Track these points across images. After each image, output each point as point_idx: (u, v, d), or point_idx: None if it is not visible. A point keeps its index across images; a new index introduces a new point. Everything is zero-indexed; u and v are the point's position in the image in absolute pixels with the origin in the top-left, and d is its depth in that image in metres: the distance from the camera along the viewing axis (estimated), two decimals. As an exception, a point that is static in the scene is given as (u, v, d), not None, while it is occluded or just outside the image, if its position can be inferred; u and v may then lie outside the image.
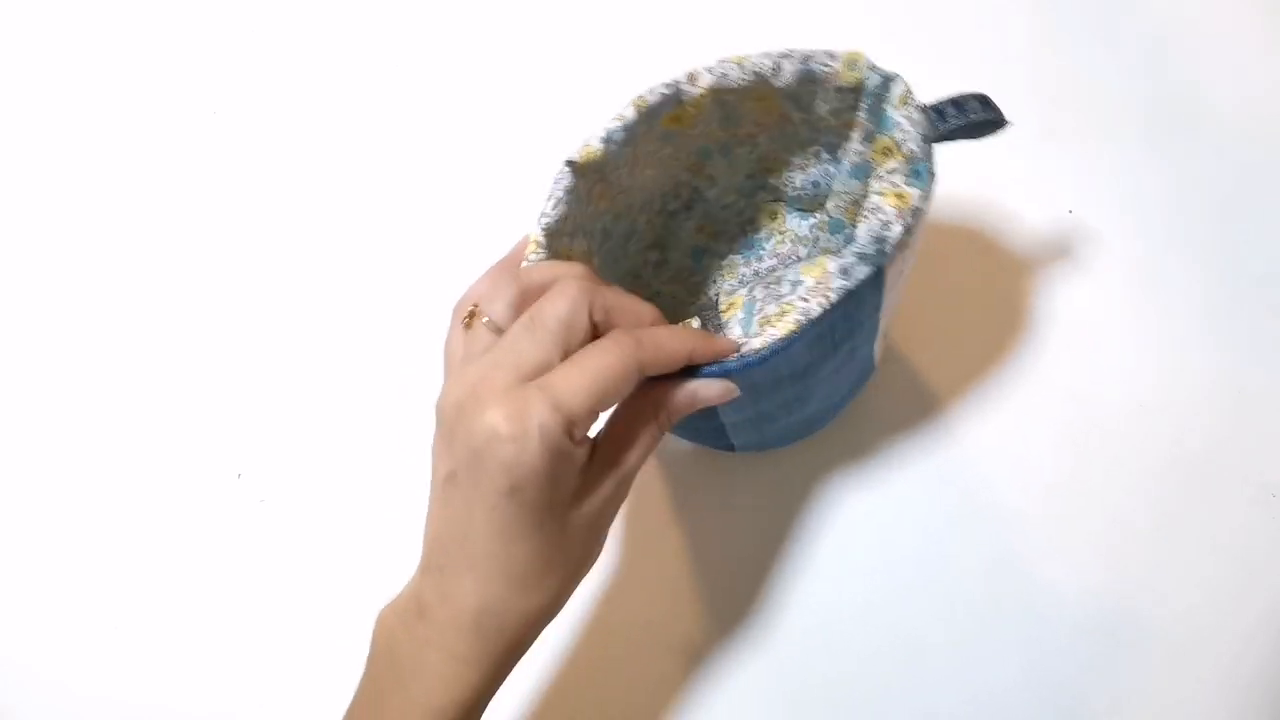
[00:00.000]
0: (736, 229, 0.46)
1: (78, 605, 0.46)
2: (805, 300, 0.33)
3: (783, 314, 0.34)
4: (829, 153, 0.40)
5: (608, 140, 0.36)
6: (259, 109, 0.53)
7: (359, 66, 0.54)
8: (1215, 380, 0.49)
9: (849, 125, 0.37)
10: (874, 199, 0.34)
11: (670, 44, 0.55)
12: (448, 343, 0.33)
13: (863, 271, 0.33)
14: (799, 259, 0.45)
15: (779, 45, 0.36)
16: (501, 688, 0.33)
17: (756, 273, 0.46)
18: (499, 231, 0.52)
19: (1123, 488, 0.47)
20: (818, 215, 0.42)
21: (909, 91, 0.35)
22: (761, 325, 0.34)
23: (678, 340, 0.32)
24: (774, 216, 0.46)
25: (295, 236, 0.51)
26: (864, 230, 0.33)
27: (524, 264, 0.35)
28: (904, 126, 0.34)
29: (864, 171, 0.37)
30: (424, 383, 0.49)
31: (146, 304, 0.50)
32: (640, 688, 0.43)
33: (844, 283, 0.33)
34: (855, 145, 0.37)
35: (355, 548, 0.47)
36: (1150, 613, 0.45)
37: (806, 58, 0.35)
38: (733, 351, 0.33)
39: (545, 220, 0.36)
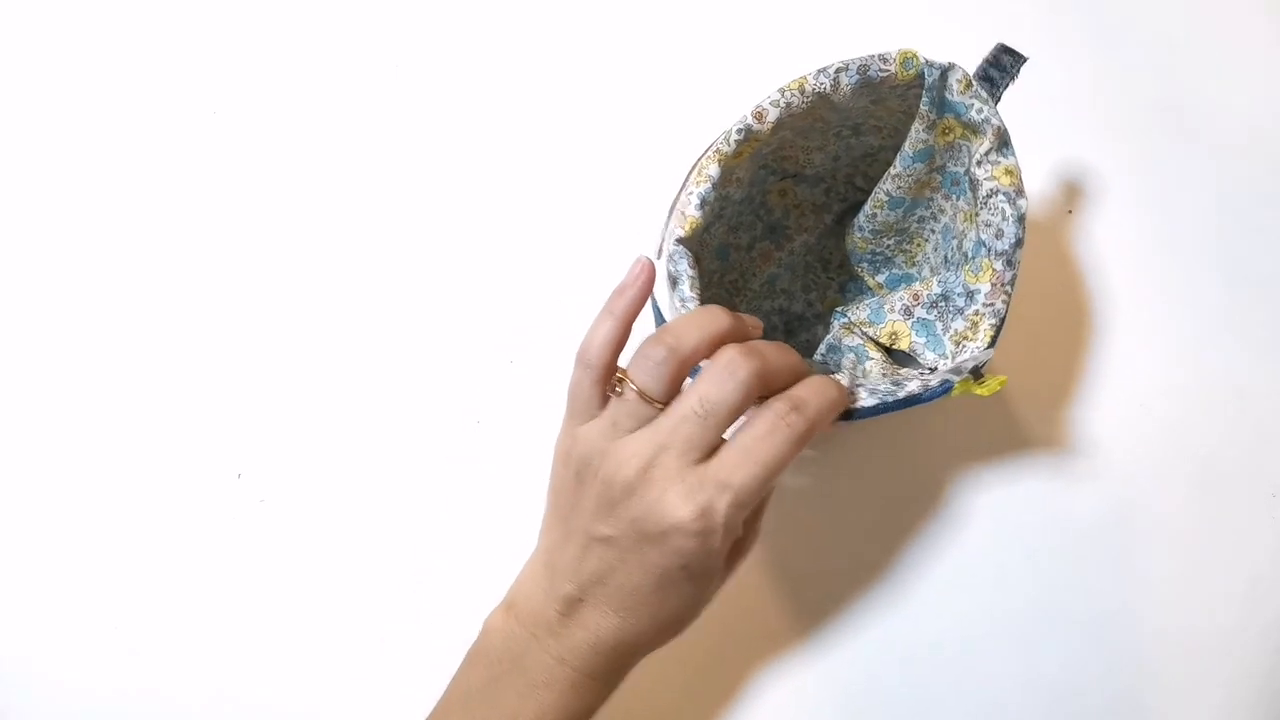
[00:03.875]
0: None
1: (78, 605, 0.46)
2: (991, 304, 0.36)
3: (975, 325, 0.36)
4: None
5: (702, 204, 0.37)
6: (259, 109, 0.53)
7: (360, 66, 0.54)
8: (1217, 381, 0.49)
9: (909, 115, 0.38)
10: (989, 184, 0.36)
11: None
12: (575, 391, 0.35)
13: (1019, 254, 0.36)
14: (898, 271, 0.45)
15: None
16: None
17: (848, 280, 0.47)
18: (499, 232, 0.52)
19: (1126, 489, 0.47)
20: (870, 206, 0.43)
21: (968, 75, 0.36)
22: (957, 342, 0.37)
23: (834, 398, 0.34)
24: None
25: (295, 236, 0.51)
26: (1001, 215, 0.35)
27: (671, 306, 0.37)
28: (978, 108, 0.36)
29: (926, 155, 0.39)
30: (425, 383, 0.49)
31: (146, 304, 0.50)
32: (705, 677, 0.43)
33: (1013, 272, 0.36)
34: (918, 134, 0.38)
35: (355, 548, 0.47)
36: (1152, 614, 0.45)
37: (862, 67, 0.36)
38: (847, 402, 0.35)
39: (682, 294, 0.36)
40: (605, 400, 0.35)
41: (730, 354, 0.33)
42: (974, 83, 0.36)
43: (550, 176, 0.53)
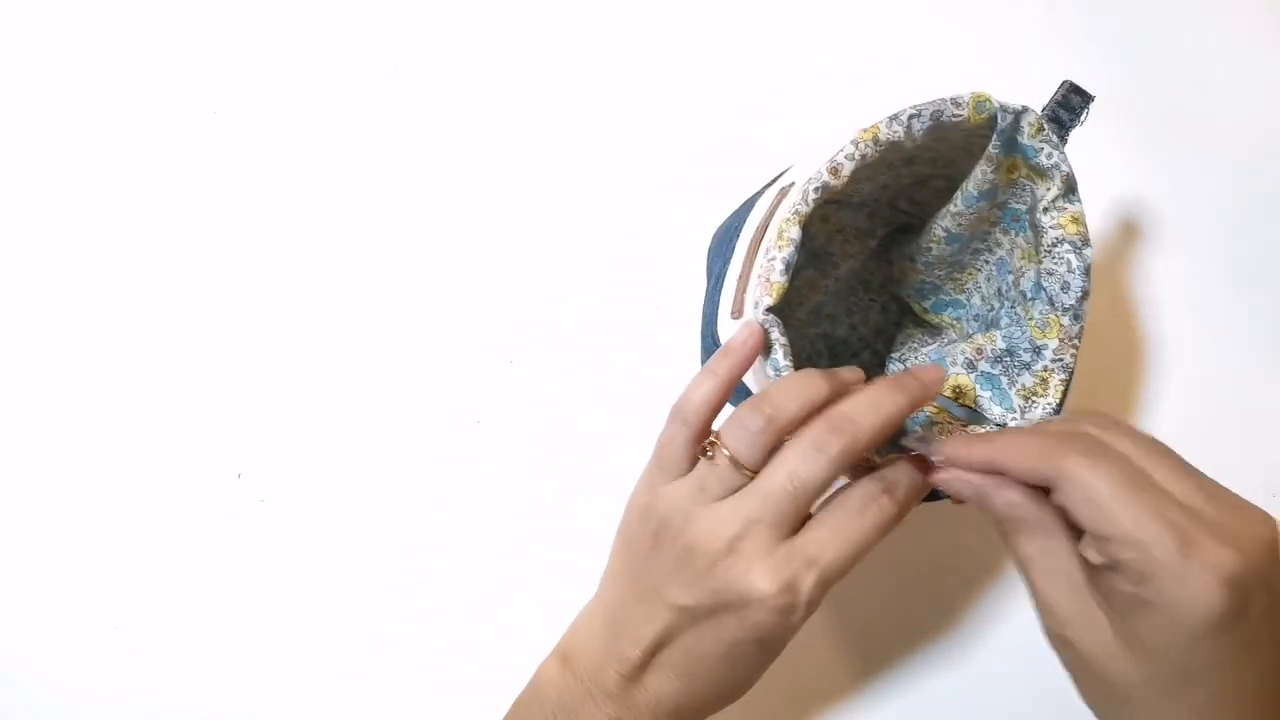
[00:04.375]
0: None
1: (78, 605, 0.46)
2: (1060, 359, 0.36)
3: (1045, 381, 0.36)
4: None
5: (787, 268, 0.36)
6: (259, 109, 0.53)
7: (360, 66, 0.54)
8: (1217, 380, 0.49)
9: (966, 149, 0.38)
10: (1054, 232, 0.36)
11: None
12: (666, 447, 0.34)
13: (1085, 307, 0.35)
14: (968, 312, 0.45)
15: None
16: None
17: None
18: (499, 232, 0.52)
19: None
20: (925, 240, 0.43)
21: (1039, 119, 0.36)
22: (1025, 397, 0.37)
23: (923, 482, 0.33)
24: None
25: (296, 237, 0.51)
26: (1066, 266, 0.35)
27: (766, 368, 0.35)
28: (1047, 152, 0.36)
29: (990, 194, 0.38)
30: (425, 383, 0.49)
31: (146, 304, 0.50)
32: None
33: (1080, 325, 0.36)
34: (985, 175, 0.37)
35: (355, 548, 0.47)
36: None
37: (936, 113, 0.35)
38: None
39: (776, 363, 0.35)
40: (695, 461, 0.34)
41: (820, 430, 0.32)
42: (1045, 126, 0.36)
43: (550, 176, 0.53)
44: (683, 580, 0.32)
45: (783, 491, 0.32)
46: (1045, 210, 0.36)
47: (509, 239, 0.52)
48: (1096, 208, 0.51)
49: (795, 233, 0.36)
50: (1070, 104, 0.36)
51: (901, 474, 0.33)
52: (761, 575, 0.31)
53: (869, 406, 0.32)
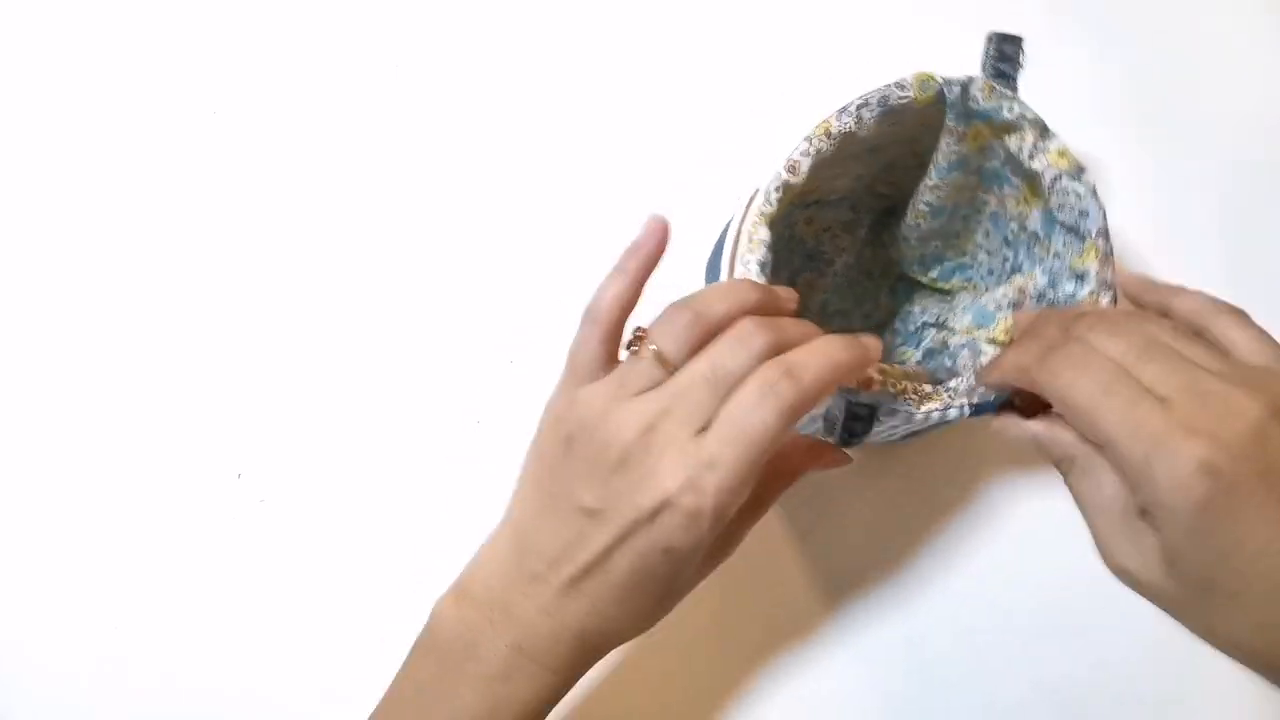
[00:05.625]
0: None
1: (77, 605, 0.46)
2: (1104, 279, 0.36)
3: (1096, 304, 0.36)
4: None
5: (763, 269, 0.36)
6: (259, 109, 0.53)
7: (360, 66, 0.54)
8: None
9: (926, 124, 0.38)
10: (1050, 172, 0.36)
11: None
12: (579, 350, 0.33)
13: (1108, 225, 0.36)
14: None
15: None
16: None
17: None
18: (499, 232, 0.52)
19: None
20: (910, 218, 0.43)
21: (987, 82, 0.36)
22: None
23: (840, 360, 0.31)
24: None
25: (295, 237, 0.51)
26: (1074, 195, 0.36)
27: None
28: (1008, 107, 0.36)
29: (960, 164, 0.39)
30: (425, 383, 0.49)
31: (146, 304, 0.50)
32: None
33: (1111, 244, 0.36)
34: (949, 147, 0.38)
35: (356, 548, 0.47)
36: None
37: (883, 98, 0.36)
38: (874, 357, 0.33)
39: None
40: (610, 361, 0.33)
41: (747, 324, 0.31)
42: (994, 86, 0.36)
43: (550, 176, 0.53)
44: (594, 479, 0.31)
45: (702, 379, 0.30)
46: (1031, 157, 0.37)
47: (509, 239, 0.52)
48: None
49: (764, 234, 0.36)
50: (1006, 54, 0.37)
51: (808, 354, 0.31)
52: (668, 471, 0.29)
53: (797, 323, 0.32)
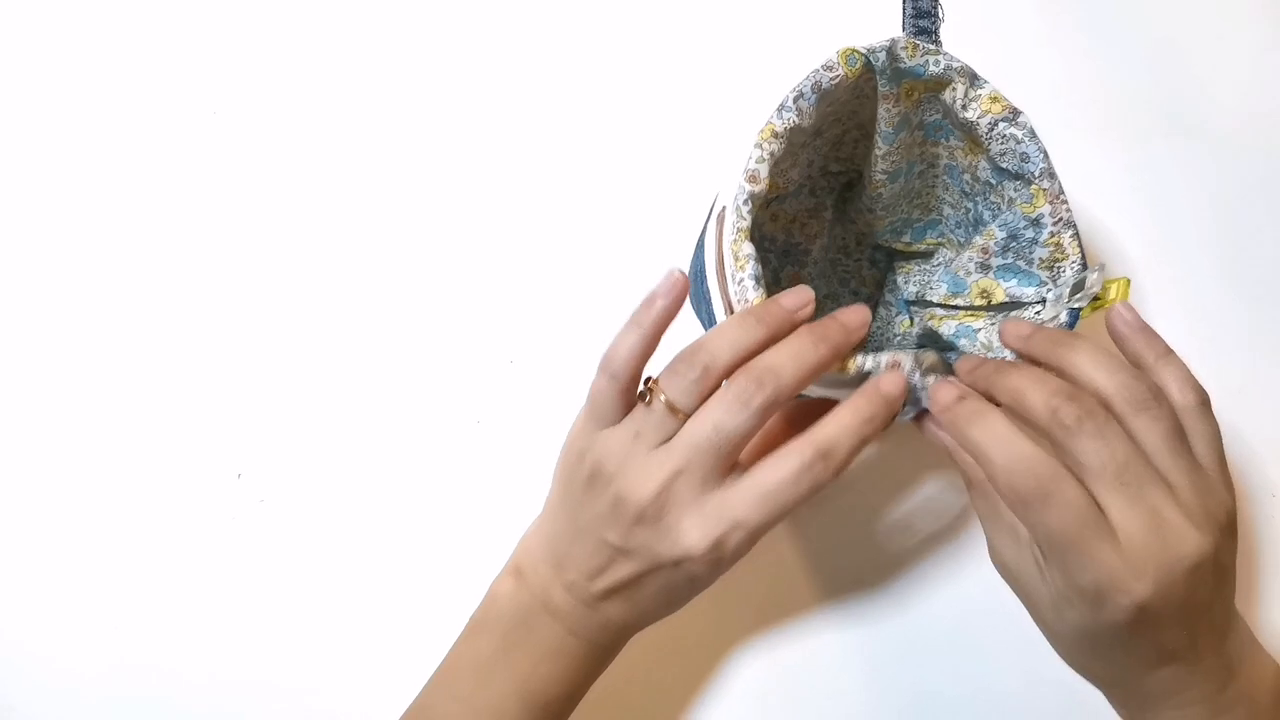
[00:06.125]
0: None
1: (77, 605, 0.46)
2: (1059, 218, 0.37)
3: (1059, 245, 0.37)
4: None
5: (758, 282, 0.37)
6: (259, 109, 0.53)
7: (361, 66, 0.54)
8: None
9: (858, 94, 0.39)
10: (985, 120, 0.37)
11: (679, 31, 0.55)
12: (598, 398, 0.35)
13: (1052, 164, 0.37)
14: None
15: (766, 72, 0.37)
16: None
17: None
18: (499, 231, 0.52)
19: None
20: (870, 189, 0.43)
21: (909, 40, 0.36)
22: (1050, 268, 0.38)
23: (866, 434, 0.34)
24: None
25: (296, 237, 0.51)
26: (1013, 140, 0.36)
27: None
28: (934, 60, 0.37)
29: (904, 124, 0.39)
30: (425, 383, 0.49)
31: (146, 304, 0.50)
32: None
33: (1059, 181, 0.37)
34: (889, 112, 0.38)
35: (356, 548, 0.47)
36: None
37: (815, 84, 0.36)
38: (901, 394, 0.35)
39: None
40: (627, 409, 0.35)
41: (743, 383, 0.33)
42: (917, 43, 0.37)
43: (550, 177, 0.53)
44: (618, 528, 0.34)
45: (708, 443, 0.33)
46: (964, 107, 0.37)
47: (509, 240, 0.52)
48: (1096, 208, 0.52)
49: (748, 249, 0.36)
50: (922, 9, 0.38)
51: (839, 430, 0.33)
52: (689, 531, 0.33)
53: (791, 358, 0.33)
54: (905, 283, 0.47)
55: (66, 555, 0.47)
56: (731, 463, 0.33)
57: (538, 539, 0.38)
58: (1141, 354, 0.34)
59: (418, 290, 0.51)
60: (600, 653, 0.37)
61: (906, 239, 0.46)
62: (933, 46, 0.37)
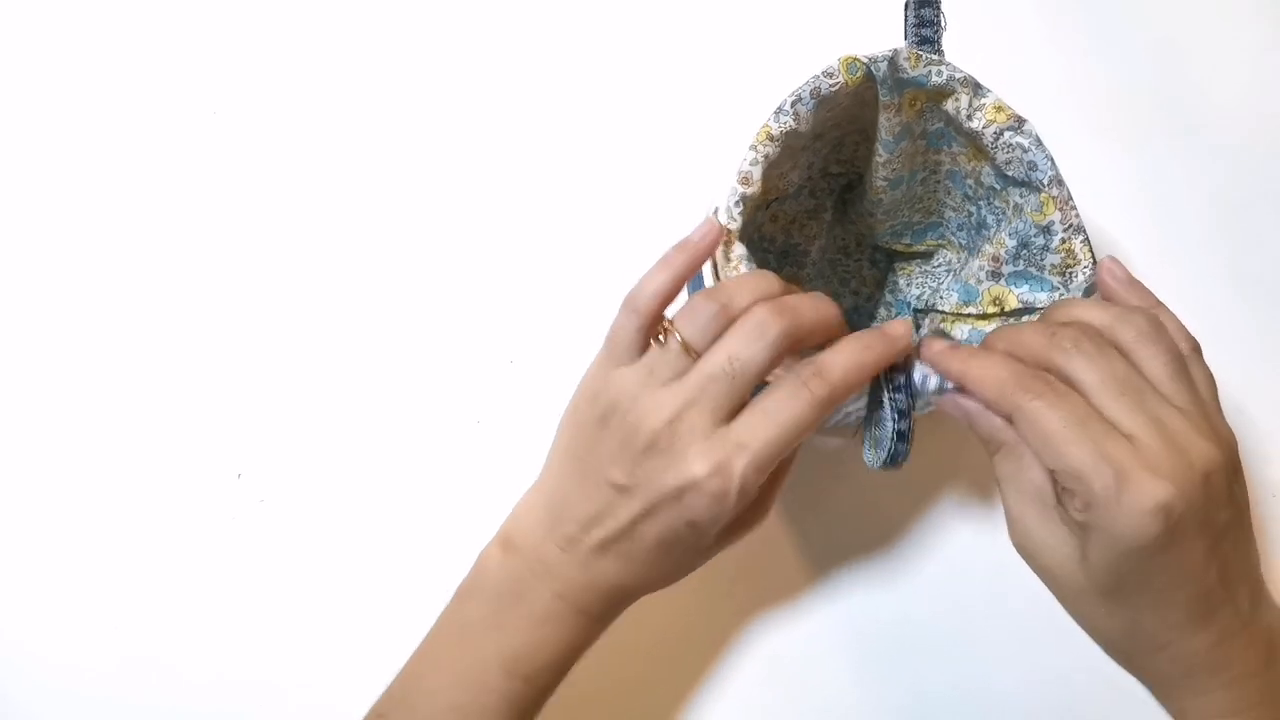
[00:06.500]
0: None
1: (77, 605, 0.46)
2: (1070, 224, 0.36)
3: (1070, 251, 0.37)
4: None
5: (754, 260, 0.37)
6: (259, 109, 0.53)
7: (361, 66, 0.54)
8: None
9: (859, 100, 0.39)
10: (990, 129, 0.36)
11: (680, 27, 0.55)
12: (617, 335, 0.35)
13: (1059, 171, 0.37)
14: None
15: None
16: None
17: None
18: (499, 231, 0.52)
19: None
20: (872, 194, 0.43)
21: (912, 50, 0.36)
22: (1062, 274, 0.38)
23: (865, 362, 0.34)
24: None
25: (295, 237, 0.51)
26: (1019, 149, 0.36)
27: (722, 269, 0.37)
28: (936, 71, 0.36)
29: (905, 133, 0.39)
30: (424, 383, 0.49)
31: (146, 304, 0.50)
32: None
33: (1066, 187, 0.37)
34: (890, 121, 0.38)
35: (356, 548, 0.47)
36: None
37: (814, 90, 0.36)
38: (907, 346, 0.34)
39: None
40: (645, 348, 0.35)
41: (762, 313, 0.33)
42: (920, 54, 0.36)
43: (550, 176, 0.53)
44: (625, 459, 0.33)
45: (721, 372, 0.32)
46: (969, 117, 0.37)
47: (509, 239, 0.52)
48: (1095, 209, 0.52)
49: (739, 250, 0.37)
50: (925, 19, 0.37)
51: (837, 355, 0.33)
52: (696, 458, 0.32)
53: (811, 303, 0.34)
54: (907, 284, 0.47)
55: (67, 555, 0.47)
56: (743, 400, 0.33)
57: (531, 503, 0.37)
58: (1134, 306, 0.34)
59: (417, 290, 0.51)
60: (588, 622, 0.36)
61: (907, 240, 0.46)
62: (935, 57, 0.36)
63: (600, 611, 0.36)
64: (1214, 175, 0.53)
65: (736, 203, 0.37)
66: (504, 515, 0.47)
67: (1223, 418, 0.32)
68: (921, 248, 0.46)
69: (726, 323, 0.33)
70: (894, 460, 0.34)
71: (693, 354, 0.33)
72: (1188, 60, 0.55)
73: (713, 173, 0.51)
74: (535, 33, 0.55)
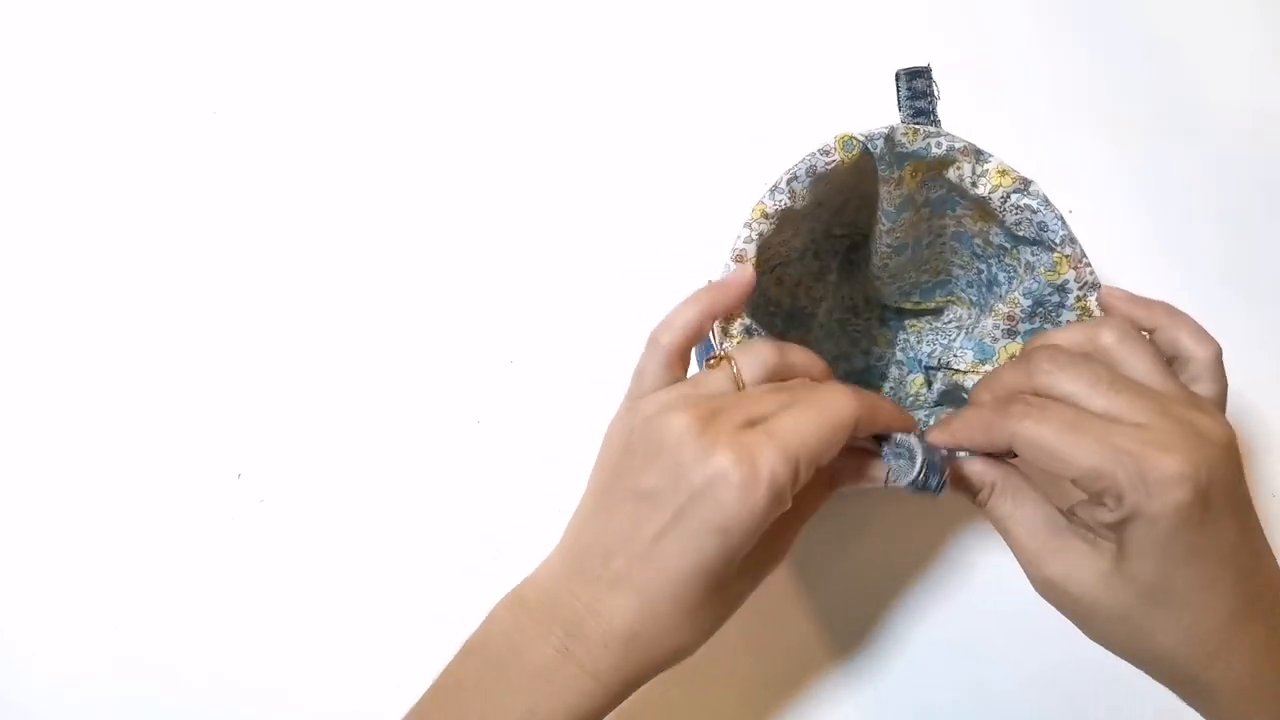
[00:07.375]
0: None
1: (77, 605, 0.46)
2: (1084, 281, 0.36)
3: (1086, 309, 0.36)
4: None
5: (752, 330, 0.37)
6: (259, 109, 0.53)
7: (361, 67, 0.54)
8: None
9: (858, 170, 0.38)
10: (997, 194, 0.36)
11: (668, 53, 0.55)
12: (642, 373, 0.34)
13: (1070, 229, 0.36)
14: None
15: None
16: None
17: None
18: (499, 232, 0.52)
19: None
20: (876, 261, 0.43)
21: (909, 125, 0.36)
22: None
23: (895, 413, 0.34)
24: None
25: (296, 237, 0.51)
26: (1028, 211, 0.36)
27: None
28: (936, 143, 0.36)
29: (907, 204, 0.39)
30: (424, 383, 0.49)
31: (146, 304, 0.50)
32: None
33: (1079, 245, 0.36)
34: (891, 194, 0.38)
35: (356, 548, 0.47)
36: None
37: (810, 168, 0.36)
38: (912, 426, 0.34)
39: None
40: (670, 385, 0.34)
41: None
42: (916, 127, 0.36)
43: (551, 176, 0.53)
44: (652, 462, 0.31)
45: (761, 392, 0.32)
46: (973, 184, 0.37)
47: (509, 240, 0.52)
48: (1096, 209, 0.52)
49: (739, 325, 0.36)
50: (918, 90, 0.37)
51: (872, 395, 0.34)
52: (723, 449, 0.30)
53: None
54: (918, 341, 0.47)
55: (67, 555, 0.47)
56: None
57: (548, 561, 0.35)
58: (1149, 321, 0.34)
59: (418, 291, 0.51)
60: (596, 684, 0.32)
61: (915, 299, 0.46)
62: (934, 129, 0.36)
63: (607, 671, 0.31)
64: (1213, 175, 0.53)
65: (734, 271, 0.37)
66: (504, 515, 0.47)
67: (1223, 416, 0.32)
68: (931, 305, 0.45)
69: (783, 372, 0.33)
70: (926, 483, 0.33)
71: (741, 387, 0.33)
72: (1188, 60, 0.55)
73: (713, 172, 0.52)
74: (535, 34, 0.55)
